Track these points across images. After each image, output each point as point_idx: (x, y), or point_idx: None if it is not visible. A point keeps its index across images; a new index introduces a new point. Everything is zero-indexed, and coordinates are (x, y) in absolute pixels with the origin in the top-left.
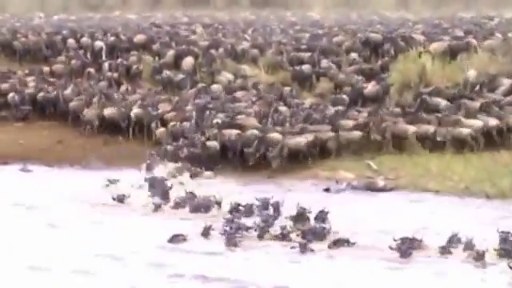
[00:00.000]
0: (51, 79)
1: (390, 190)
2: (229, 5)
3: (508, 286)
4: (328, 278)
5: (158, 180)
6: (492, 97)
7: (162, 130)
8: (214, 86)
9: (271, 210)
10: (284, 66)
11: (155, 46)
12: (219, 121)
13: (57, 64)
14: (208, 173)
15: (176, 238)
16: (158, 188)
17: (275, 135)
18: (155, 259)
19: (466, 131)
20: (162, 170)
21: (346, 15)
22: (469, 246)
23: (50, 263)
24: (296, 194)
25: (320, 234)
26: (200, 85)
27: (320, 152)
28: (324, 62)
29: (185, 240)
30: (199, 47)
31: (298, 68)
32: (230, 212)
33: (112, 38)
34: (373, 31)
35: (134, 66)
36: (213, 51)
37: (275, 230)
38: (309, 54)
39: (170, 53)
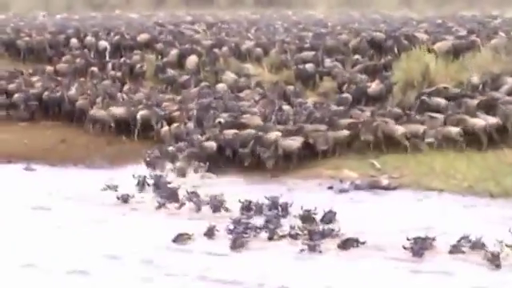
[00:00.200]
0: (57, 78)
1: (394, 188)
2: (232, 4)
3: None
4: (339, 278)
5: (163, 180)
6: (496, 95)
7: (165, 129)
8: (218, 85)
9: (279, 210)
10: (288, 65)
11: (159, 45)
12: (222, 120)
13: (61, 63)
14: (210, 173)
15: (181, 238)
16: (163, 188)
17: (271, 135)
18: (155, 259)
19: (471, 126)
20: (165, 169)
21: (350, 14)
22: (478, 245)
23: (51, 262)
24: (300, 193)
25: (328, 234)
26: (203, 83)
27: (320, 152)
28: (327, 61)
29: (190, 239)
30: (203, 46)
31: (301, 67)
32: (242, 210)
33: (116, 38)
34: (376, 30)
35: (138, 65)
36: (216, 50)
37: (283, 230)
38: (312, 52)
39: (174, 52)
